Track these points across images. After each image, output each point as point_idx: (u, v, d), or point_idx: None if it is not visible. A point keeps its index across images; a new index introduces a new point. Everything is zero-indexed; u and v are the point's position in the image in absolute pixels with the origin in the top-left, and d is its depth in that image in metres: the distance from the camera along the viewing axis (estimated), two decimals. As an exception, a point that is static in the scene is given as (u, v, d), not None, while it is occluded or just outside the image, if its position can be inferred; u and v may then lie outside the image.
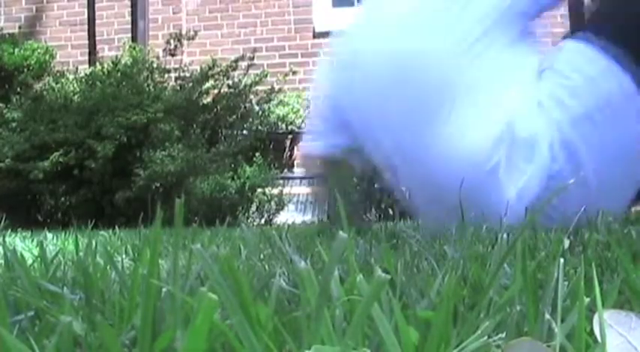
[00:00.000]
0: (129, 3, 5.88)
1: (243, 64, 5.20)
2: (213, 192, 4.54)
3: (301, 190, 5.37)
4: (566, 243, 0.93)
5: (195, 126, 4.75)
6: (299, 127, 5.79)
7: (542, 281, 0.57)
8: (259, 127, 5.48)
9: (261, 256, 1.02)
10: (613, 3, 1.92)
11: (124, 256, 1.05)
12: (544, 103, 1.75)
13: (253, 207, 4.89)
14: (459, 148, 1.70)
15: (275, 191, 5.00)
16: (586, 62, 1.77)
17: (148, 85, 4.67)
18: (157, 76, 4.81)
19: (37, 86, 5.15)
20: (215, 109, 4.99)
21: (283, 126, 5.93)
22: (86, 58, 5.98)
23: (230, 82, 5.09)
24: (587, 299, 0.46)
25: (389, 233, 1.42)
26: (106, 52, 6.04)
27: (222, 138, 5.01)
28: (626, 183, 1.78)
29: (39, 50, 5.40)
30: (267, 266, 0.90)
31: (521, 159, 1.70)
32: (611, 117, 1.73)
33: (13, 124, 4.57)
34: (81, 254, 0.96)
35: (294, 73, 5.86)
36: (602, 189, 1.70)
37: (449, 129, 1.71)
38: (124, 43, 5.29)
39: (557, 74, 1.80)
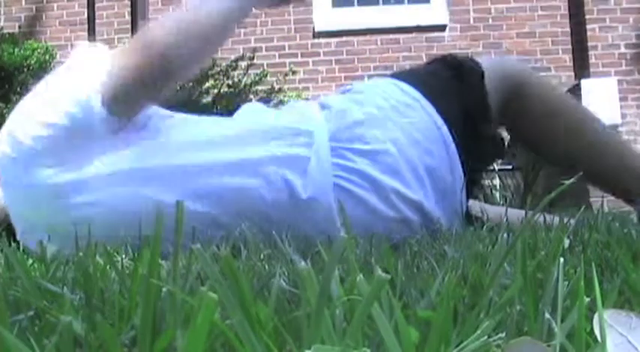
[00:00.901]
0: (129, 3, 5.88)
1: (243, 63, 5.20)
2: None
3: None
4: (566, 242, 0.93)
5: (195, 126, 4.74)
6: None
7: (542, 281, 0.57)
8: (259, 127, 5.48)
9: (261, 256, 1.02)
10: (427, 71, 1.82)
11: (123, 256, 1.05)
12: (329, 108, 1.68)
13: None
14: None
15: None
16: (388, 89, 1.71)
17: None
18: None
19: (37, 86, 5.14)
20: (215, 109, 4.99)
21: (283, 125, 5.92)
22: (86, 57, 5.97)
23: (230, 82, 5.09)
24: (587, 299, 0.46)
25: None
26: (106, 52, 6.03)
27: (223, 137, 5.00)
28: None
29: (39, 50, 5.39)
30: (267, 266, 0.90)
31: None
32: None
33: (13, 124, 4.57)
34: (81, 254, 0.96)
35: (294, 72, 5.86)
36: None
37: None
38: (124, 43, 5.28)
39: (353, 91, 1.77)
